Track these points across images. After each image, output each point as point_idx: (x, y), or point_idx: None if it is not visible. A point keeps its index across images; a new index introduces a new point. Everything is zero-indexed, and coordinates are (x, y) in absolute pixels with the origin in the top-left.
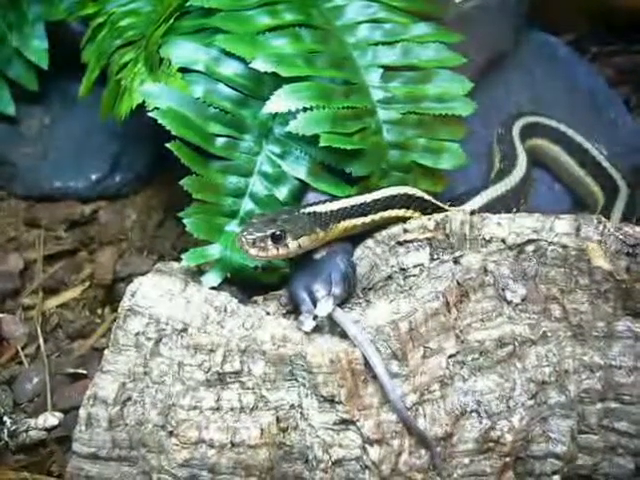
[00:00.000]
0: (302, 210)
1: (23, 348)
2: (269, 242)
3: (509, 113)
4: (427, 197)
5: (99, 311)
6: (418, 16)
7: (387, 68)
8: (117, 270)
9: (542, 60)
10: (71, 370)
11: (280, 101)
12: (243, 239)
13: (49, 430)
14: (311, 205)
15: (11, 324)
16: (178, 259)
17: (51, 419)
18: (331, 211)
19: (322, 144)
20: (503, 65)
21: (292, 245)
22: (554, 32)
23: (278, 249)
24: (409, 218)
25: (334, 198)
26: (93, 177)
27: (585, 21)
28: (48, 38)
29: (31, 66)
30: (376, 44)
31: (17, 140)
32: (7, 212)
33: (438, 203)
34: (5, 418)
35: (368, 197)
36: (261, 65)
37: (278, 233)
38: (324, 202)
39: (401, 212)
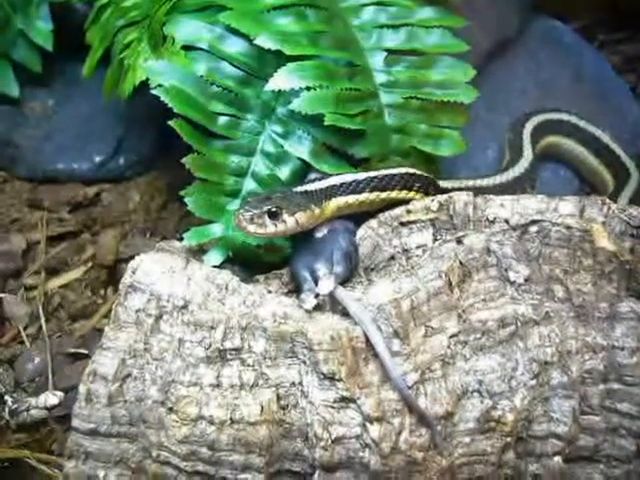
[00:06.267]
0: (295, 189)
1: (25, 328)
2: (266, 218)
3: (517, 116)
4: (430, 177)
5: (101, 292)
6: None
7: (391, 52)
8: (120, 251)
9: (548, 46)
10: (72, 350)
11: (283, 78)
12: (240, 217)
13: (50, 409)
14: (303, 184)
15: (13, 304)
16: (181, 240)
17: (52, 398)
18: (322, 188)
19: (327, 123)
20: (509, 50)
21: (289, 221)
22: (561, 19)
23: (276, 225)
24: (411, 200)
25: (327, 176)
26: (96, 159)
27: (593, 8)
28: (52, 19)
29: (35, 48)
30: (381, 27)
31: (21, 122)
32: (10, 194)
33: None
34: (6, 397)
35: (362, 175)
36: (265, 42)
37: (274, 209)
38: (314, 181)
39: (401, 194)
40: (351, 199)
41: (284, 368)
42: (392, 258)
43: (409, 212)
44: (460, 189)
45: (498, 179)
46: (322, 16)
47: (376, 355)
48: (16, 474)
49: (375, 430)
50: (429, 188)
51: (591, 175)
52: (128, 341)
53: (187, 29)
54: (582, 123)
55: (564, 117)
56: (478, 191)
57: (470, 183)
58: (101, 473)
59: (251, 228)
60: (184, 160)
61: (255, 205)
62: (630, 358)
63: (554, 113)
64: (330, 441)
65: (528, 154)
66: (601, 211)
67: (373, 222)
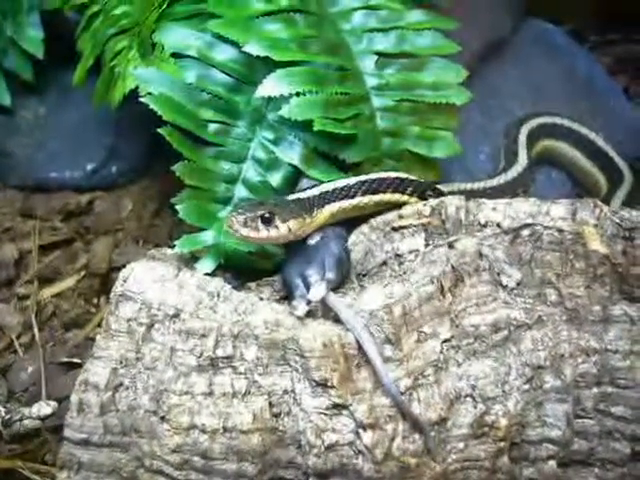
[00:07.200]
0: (288, 197)
1: (18, 337)
2: (259, 223)
3: (510, 119)
4: (421, 181)
5: (94, 301)
6: (417, 3)
7: (381, 55)
8: (113, 260)
9: (540, 48)
10: (66, 359)
11: (273, 85)
12: (233, 219)
13: (43, 419)
14: (296, 192)
15: (6, 313)
16: (173, 247)
17: (45, 408)
18: (314, 196)
19: (316, 128)
20: (501, 52)
21: (282, 228)
22: (553, 21)
23: (268, 230)
24: (404, 203)
25: (319, 184)
26: (89, 167)
27: (584, 10)
28: (43, 28)
29: (26, 56)
30: (371, 31)
31: (12, 130)
32: (2, 202)
33: (437, 187)
34: None
35: (353, 180)
36: (254, 49)
37: (267, 215)
38: (306, 189)
39: (395, 197)
40: (345, 204)
41: (276, 375)
42: (384, 263)
43: (401, 217)
44: (452, 193)
45: (489, 183)
46: (311, 21)
47: (368, 361)
48: None
49: (368, 436)
50: (425, 191)
51: (585, 178)
52: (120, 350)
53: (176, 37)
54: (575, 126)
55: (557, 120)
56: (469, 195)
57: (462, 187)
58: None
59: (244, 231)
60: (174, 168)
61: (248, 209)
62: (623, 361)
63: (549, 117)
64: (323, 448)
65: (523, 159)
66: (593, 214)
67: (365, 228)
